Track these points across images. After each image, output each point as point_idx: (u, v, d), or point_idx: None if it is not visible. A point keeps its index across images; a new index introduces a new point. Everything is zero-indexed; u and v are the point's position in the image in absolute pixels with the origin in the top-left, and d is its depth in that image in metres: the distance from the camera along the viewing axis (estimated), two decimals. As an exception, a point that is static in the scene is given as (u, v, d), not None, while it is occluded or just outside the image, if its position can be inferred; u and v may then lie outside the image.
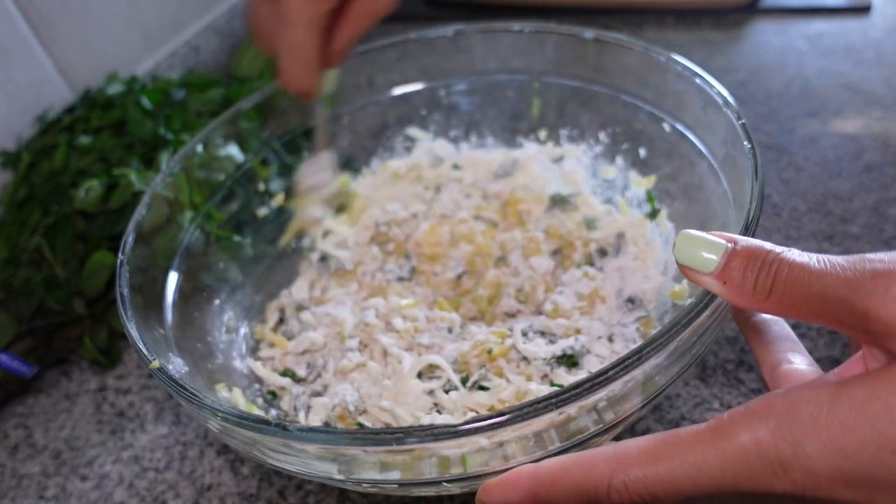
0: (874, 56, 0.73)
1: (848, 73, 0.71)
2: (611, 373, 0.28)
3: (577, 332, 0.43)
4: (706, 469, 0.23)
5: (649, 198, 0.49)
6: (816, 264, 0.24)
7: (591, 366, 0.41)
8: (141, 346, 0.35)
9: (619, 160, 0.52)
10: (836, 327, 0.24)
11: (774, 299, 0.25)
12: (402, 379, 0.41)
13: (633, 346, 0.40)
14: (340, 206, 0.55)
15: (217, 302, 0.48)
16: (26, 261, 0.52)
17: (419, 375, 0.42)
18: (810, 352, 0.32)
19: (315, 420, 0.42)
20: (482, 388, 0.41)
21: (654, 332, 0.40)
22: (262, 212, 0.53)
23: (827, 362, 0.45)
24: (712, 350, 0.47)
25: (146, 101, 0.63)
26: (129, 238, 0.41)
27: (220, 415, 0.31)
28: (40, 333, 0.51)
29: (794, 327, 0.33)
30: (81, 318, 0.52)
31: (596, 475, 0.24)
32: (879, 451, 0.21)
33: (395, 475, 0.31)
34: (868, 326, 0.22)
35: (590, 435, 0.30)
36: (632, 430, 0.43)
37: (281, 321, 0.50)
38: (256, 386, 0.45)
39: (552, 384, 0.40)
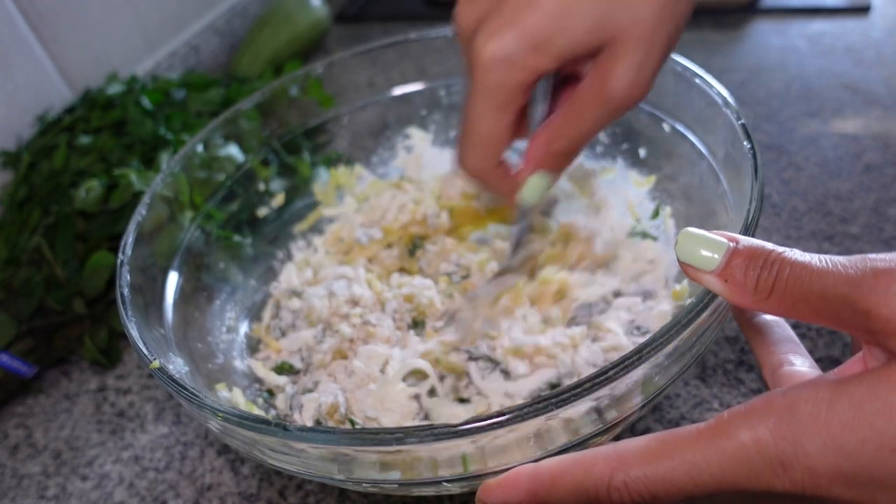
0: (874, 56, 0.73)
1: (848, 73, 0.71)
2: (611, 373, 0.28)
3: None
4: (706, 468, 0.23)
5: (656, 212, 0.49)
6: (818, 263, 0.24)
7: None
8: (141, 346, 0.35)
9: (620, 160, 0.52)
10: (837, 327, 0.24)
11: (775, 298, 0.25)
12: (388, 384, 0.41)
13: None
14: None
15: (217, 302, 0.48)
16: (26, 261, 0.52)
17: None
18: (810, 352, 0.32)
19: (306, 417, 0.42)
20: (462, 401, 0.41)
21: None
22: (262, 212, 0.53)
23: (827, 362, 0.45)
24: (712, 350, 0.47)
25: (146, 101, 0.63)
26: (129, 238, 0.41)
27: (220, 415, 0.31)
28: (40, 333, 0.51)
29: (794, 328, 0.33)
30: (81, 318, 0.52)
31: (596, 474, 0.24)
32: (879, 449, 0.21)
33: (395, 475, 0.31)
34: (869, 325, 0.22)
35: (590, 435, 0.30)
36: (632, 430, 0.43)
37: (277, 315, 0.50)
38: (256, 386, 0.45)
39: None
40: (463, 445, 0.28)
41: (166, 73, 0.76)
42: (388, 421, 0.40)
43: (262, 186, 0.53)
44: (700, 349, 0.32)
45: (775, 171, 0.60)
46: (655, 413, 0.44)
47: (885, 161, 0.60)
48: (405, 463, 0.30)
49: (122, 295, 0.38)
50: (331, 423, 0.42)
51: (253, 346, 0.48)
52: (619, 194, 0.51)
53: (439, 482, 0.31)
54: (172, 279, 0.44)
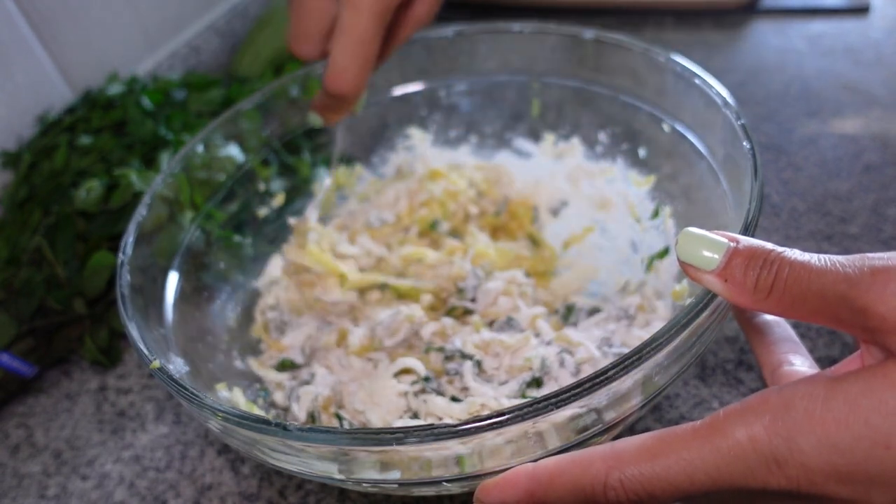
0: (873, 56, 0.73)
1: (847, 74, 0.71)
2: (611, 373, 0.28)
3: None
4: (702, 466, 0.23)
5: (655, 213, 0.49)
6: (817, 263, 0.24)
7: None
8: (141, 346, 0.35)
9: (619, 160, 0.52)
10: (836, 326, 0.24)
11: (775, 298, 0.25)
12: (379, 378, 0.41)
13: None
14: None
15: (217, 302, 0.48)
16: (27, 261, 0.52)
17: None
18: (810, 352, 0.33)
19: (302, 410, 0.42)
20: (455, 400, 0.41)
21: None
22: (263, 212, 0.53)
23: (827, 362, 0.45)
24: (712, 350, 0.47)
25: (146, 102, 0.63)
26: (129, 238, 0.41)
27: (220, 415, 0.31)
28: (41, 333, 0.51)
29: (794, 328, 0.33)
30: (82, 318, 0.52)
31: (592, 473, 0.25)
32: (873, 446, 0.21)
33: (395, 475, 0.31)
34: (866, 323, 0.23)
35: (589, 435, 0.31)
36: (631, 430, 0.43)
37: (264, 313, 0.50)
38: (257, 385, 0.45)
39: (524, 396, 0.40)
40: (458, 446, 0.28)
41: (167, 73, 0.76)
42: (375, 416, 0.40)
43: (262, 186, 0.54)
44: (700, 349, 0.32)
45: (775, 172, 0.60)
46: (655, 413, 0.44)
47: (884, 161, 0.60)
48: (403, 462, 0.30)
49: (122, 295, 0.38)
50: (324, 417, 0.42)
51: (253, 346, 0.48)
52: (619, 194, 0.51)
53: (439, 482, 0.31)
54: (172, 279, 0.44)
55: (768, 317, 0.33)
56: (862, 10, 0.80)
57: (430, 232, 0.52)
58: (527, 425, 0.28)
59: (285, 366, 0.46)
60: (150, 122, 0.60)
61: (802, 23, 0.80)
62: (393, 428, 0.29)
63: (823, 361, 0.45)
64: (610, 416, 0.31)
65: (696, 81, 0.43)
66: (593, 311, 0.46)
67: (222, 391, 0.41)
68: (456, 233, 0.52)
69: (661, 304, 0.44)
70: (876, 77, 0.70)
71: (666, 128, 0.47)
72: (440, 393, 0.41)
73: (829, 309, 0.23)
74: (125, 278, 0.39)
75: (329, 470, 0.31)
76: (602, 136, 0.53)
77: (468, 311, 0.47)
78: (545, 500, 0.26)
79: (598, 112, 0.52)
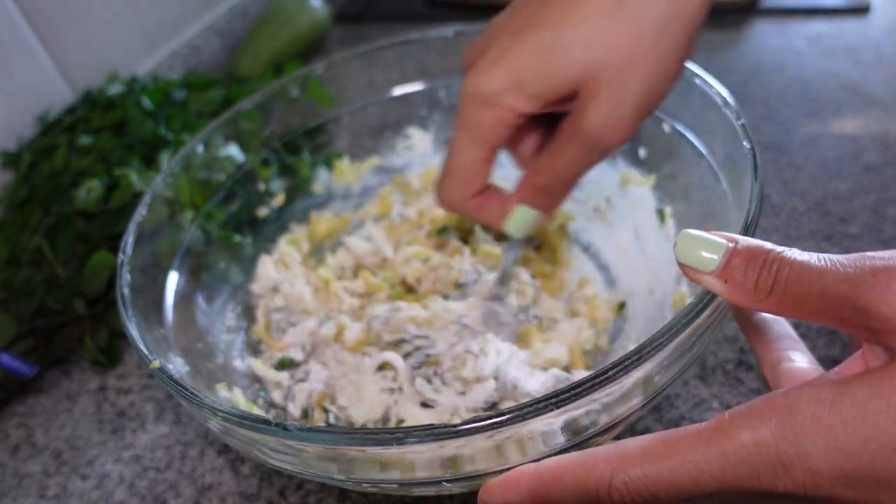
0: (873, 56, 0.73)
1: (847, 74, 0.71)
2: (610, 373, 0.28)
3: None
4: (707, 468, 0.23)
5: (661, 217, 0.49)
6: (817, 262, 0.24)
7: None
8: (141, 346, 0.35)
9: (619, 160, 0.52)
10: (837, 325, 0.24)
11: (775, 298, 0.25)
12: (364, 374, 0.42)
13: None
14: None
15: (217, 302, 0.48)
16: (27, 261, 0.52)
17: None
18: (810, 351, 0.32)
19: (297, 408, 0.42)
20: (426, 406, 0.41)
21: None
22: (262, 212, 0.53)
23: (826, 362, 0.45)
24: (712, 350, 0.47)
25: (147, 102, 0.63)
26: (129, 238, 0.41)
27: (220, 414, 0.31)
28: (41, 333, 0.51)
29: (794, 327, 0.33)
30: (82, 318, 0.52)
31: (597, 474, 0.24)
32: (881, 448, 0.21)
33: (395, 475, 0.31)
34: (869, 323, 0.22)
35: (589, 435, 0.31)
36: (631, 430, 0.43)
37: (268, 316, 0.50)
38: (256, 385, 0.45)
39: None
40: (453, 446, 0.28)
41: (167, 73, 0.76)
42: (357, 413, 0.41)
43: (262, 186, 0.54)
44: (699, 349, 0.32)
45: (775, 172, 0.60)
46: (655, 413, 0.44)
47: (883, 161, 0.60)
48: (402, 462, 0.30)
49: (122, 295, 0.38)
50: (317, 413, 0.42)
51: (253, 346, 0.48)
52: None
53: (439, 482, 0.31)
54: (172, 279, 0.44)
55: (767, 315, 0.33)
56: (862, 10, 0.81)
57: (436, 236, 0.52)
58: (526, 425, 0.28)
59: (284, 364, 0.46)
60: (150, 122, 0.60)
61: (802, 23, 0.80)
62: (393, 428, 0.29)
63: (823, 361, 0.45)
64: (610, 416, 0.30)
65: (696, 81, 0.43)
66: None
67: (222, 391, 0.41)
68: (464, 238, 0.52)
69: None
70: (876, 77, 0.70)
71: (666, 128, 0.47)
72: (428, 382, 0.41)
73: (831, 309, 0.23)
74: (125, 278, 0.39)
75: (329, 470, 0.31)
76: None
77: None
78: (548, 500, 0.25)
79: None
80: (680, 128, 0.46)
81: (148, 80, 0.70)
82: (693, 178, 0.45)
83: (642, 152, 0.50)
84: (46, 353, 0.52)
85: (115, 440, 0.48)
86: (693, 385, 0.45)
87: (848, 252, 0.24)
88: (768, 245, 0.25)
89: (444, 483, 0.31)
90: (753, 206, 0.33)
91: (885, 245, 0.53)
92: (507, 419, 0.27)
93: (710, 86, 0.42)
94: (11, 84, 0.62)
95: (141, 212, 0.43)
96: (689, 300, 0.41)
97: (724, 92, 0.41)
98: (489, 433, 0.27)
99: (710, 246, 0.26)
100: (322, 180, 0.57)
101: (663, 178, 0.49)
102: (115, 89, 0.65)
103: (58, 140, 0.60)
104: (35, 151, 0.60)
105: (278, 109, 0.53)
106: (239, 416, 0.30)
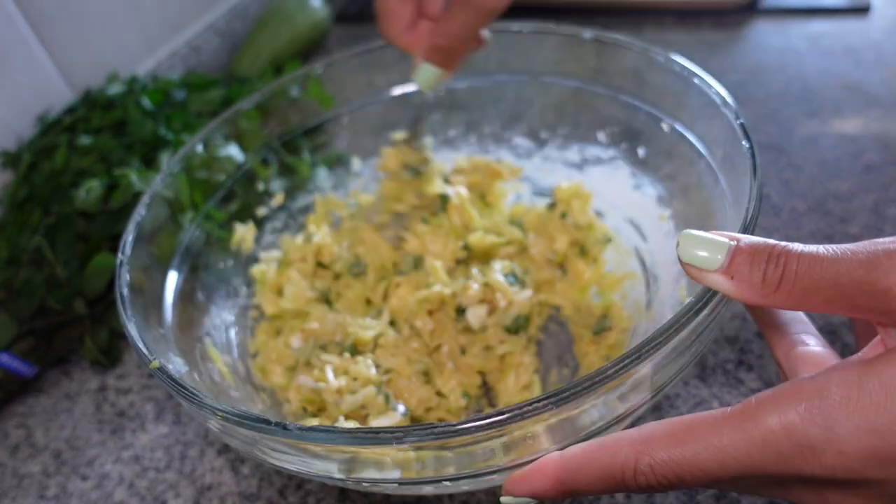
0: (873, 56, 0.73)
1: (847, 74, 0.71)
2: (610, 372, 0.28)
3: None
4: (733, 452, 0.23)
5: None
6: (826, 252, 0.24)
7: None
8: (141, 345, 0.35)
9: (619, 160, 0.52)
10: (849, 313, 0.24)
11: (784, 291, 0.24)
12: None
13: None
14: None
15: (217, 302, 0.48)
16: (27, 261, 0.52)
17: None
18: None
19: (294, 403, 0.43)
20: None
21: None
22: (262, 212, 0.53)
23: (826, 362, 0.45)
24: (712, 350, 0.47)
25: (146, 102, 0.63)
26: (129, 238, 0.41)
27: (219, 414, 0.31)
28: (41, 333, 0.51)
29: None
30: (82, 318, 0.52)
31: (622, 458, 0.24)
32: None
33: (395, 474, 0.31)
34: (889, 305, 0.22)
35: (589, 435, 0.31)
36: (631, 430, 0.43)
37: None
38: (256, 386, 0.45)
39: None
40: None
41: (167, 73, 0.76)
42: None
43: (262, 186, 0.54)
44: (699, 348, 0.32)
45: (774, 172, 0.61)
46: (655, 413, 0.44)
47: (884, 161, 0.60)
48: (404, 461, 0.30)
49: (121, 295, 0.38)
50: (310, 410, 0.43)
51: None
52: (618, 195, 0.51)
53: (439, 482, 0.31)
54: (172, 279, 0.44)
55: None
56: (862, 10, 0.80)
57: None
58: (526, 425, 0.28)
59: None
60: (150, 122, 0.60)
61: (802, 23, 0.80)
62: (393, 428, 0.29)
63: (823, 361, 0.45)
64: (610, 415, 0.30)
65: (696, 81, 0.43)
66: None
67: (222, 391, 0.41)
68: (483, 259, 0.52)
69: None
70: (876, 77, 0.70)
71: (665, 127, 0.47)
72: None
73: (844, 297, 0.23)
74: (125, 278, 0.39)
75: (329, 469, 0.31)
76: (601, 136, 0.53)
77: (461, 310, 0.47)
78: (574, 486, 0.25)
79: (597, 112, 0.52)
80: (679, 127, 0.46)
81: (148, 80, 0.70)
82: (692, 177, 0.45)
83: (641, 152, 0.50)
84: (46, 353, 0.52)
85: (115, 440, 0.48)
86: (693, 385, 0.45)
87: (849, 252, 0.24)
88: (771, 241, 0.25)
89: (444, 483, 0.31)
90: (752, 206, 0.33)
91: (885, 245, 0.53)
92: (507, 418, 0.27)
93: (710, 85, 0.42)
94: (11, 84, 0.62)
95: (140, 212, 0.43)
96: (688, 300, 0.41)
97: (723, 91, 0.41)
98: (489, 432, 0.27)
99: (712, 245, 0.26)
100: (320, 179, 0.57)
101: (663, 178, 0.49)
102: (115, 89, 0.65)
103: (58, 140, 0.60)
104: (35, 151, 0.60)
105: (278, 109, 0.53)
106: (239, 415, 0.30)
